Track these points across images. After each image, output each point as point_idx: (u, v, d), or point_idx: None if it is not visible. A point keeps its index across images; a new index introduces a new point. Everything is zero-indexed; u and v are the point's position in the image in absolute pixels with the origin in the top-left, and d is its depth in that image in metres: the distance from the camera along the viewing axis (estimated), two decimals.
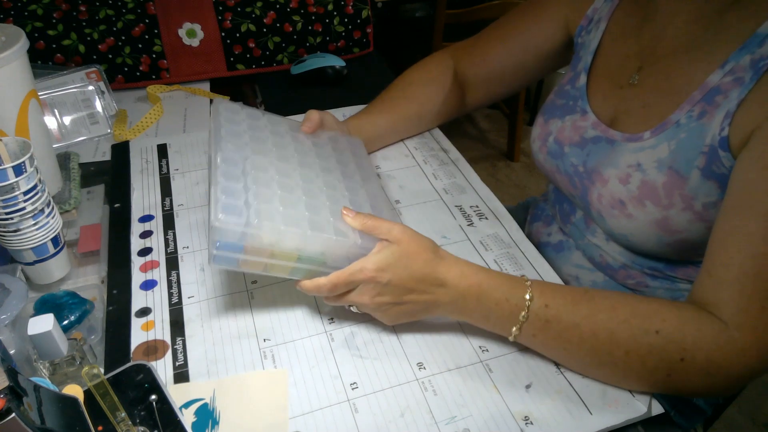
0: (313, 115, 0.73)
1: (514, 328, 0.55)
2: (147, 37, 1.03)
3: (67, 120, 0.91)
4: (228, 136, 0.63)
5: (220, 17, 1.06)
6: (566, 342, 0.54)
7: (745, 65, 0.56)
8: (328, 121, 0.75)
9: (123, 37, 1.02)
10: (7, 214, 0.59)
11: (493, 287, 0.54)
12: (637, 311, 0.52)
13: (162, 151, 0.88)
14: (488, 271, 0.56)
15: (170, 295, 0.64)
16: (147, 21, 1.03)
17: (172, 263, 0.68)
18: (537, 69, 0.84)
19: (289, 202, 0.57)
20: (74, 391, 0.45)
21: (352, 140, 0.76)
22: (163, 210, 0.76)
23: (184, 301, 0.64)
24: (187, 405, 0.53)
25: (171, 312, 0.62)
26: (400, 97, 0.87)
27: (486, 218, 0.76)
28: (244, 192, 0.57)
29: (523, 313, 0.53)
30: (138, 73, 1.05)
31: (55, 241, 0.64)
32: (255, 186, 0.57)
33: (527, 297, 0.54)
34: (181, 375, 0.56)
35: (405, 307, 0.56)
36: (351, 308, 0.59)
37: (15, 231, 0.61)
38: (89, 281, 0.68)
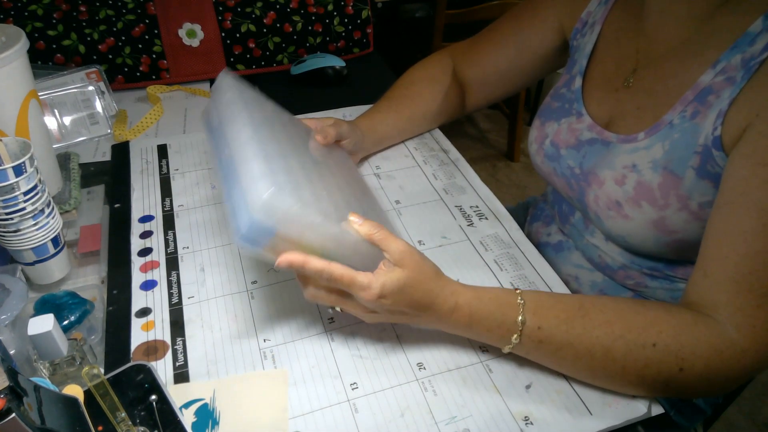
0: (330, 130, 0.71)
1: (506, 347, 0.55)
2: (147, 37, 1.03)
3: (67, 120, 0.91)
4: (253, 105, 0.58)
5: (220, 17, 1.06)
6: (561, 359, 0.54)
7: (737, 64, 0.56)
8: (344, 133, 0.74)
9: (123, 38, 1.02)
10: (7, 214, 0.59)
11: (484, 316, 0.54)
12: (632, 325, 0.52)
13: (162, 151, 0.88)
14: (480, 298, 0.54)
15: (170, 295, 0.64)
16: (147, 21, 1.03)
17: (172, 263, 0.68)
18: (533, 71, 0.84)
19: (321, 194, 0.53)
20: (74, 391, 0.45)
21: (337, 147, 0.74)
22: (163, 210, 0.76)
23: (184, 301, 0.64)
24: (187, 405, 0.53)
25: (171, 312, 0.62)
26: (404, 96, 0.87)
27: (486, 218, 0.76)
28: (285, 172, 0.51)
29: (515, 336, 0.53)
30: (138, 74, 1.05)
31: (55, 241, 0.64)
32: (300, 167, 0.53)
33: (519, 320, 0.53)
34: (181, 375, 0.56)
35: (392, 319, 0.56)
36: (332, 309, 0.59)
37: (15, 231, 0.61)
38: (89, 281, 0.68)
